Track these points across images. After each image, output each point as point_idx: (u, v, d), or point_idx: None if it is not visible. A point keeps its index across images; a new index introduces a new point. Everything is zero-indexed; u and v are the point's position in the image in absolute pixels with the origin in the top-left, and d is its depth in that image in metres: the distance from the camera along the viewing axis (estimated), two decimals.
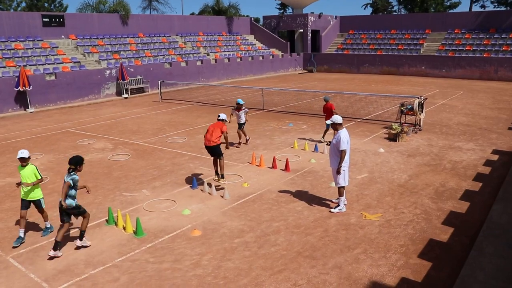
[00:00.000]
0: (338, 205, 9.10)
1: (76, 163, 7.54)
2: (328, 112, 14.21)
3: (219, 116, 10.81)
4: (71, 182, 7.41)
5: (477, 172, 11.40)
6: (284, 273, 6.75)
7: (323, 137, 14.65)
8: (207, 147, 10.54)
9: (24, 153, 7.97)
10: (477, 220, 8.44)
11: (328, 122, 9.27)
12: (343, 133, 8.75)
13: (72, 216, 7.71)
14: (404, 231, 8.07)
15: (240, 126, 14.40)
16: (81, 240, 7.72)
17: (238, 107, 14.24)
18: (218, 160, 10.49)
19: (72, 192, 7.53)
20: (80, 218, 7.88)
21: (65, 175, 7.55)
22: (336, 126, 8.91)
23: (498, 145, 14.04)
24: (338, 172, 8.80)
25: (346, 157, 8.83)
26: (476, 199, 9.59)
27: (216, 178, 10.64)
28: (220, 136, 10.44)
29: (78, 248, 7.67)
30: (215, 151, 10.41)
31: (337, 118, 8.95)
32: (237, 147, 14.22)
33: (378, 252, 7.32)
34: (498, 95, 25.42)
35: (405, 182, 10.71)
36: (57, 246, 7.41)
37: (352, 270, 6.81)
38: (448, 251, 7.36)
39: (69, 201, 7.50)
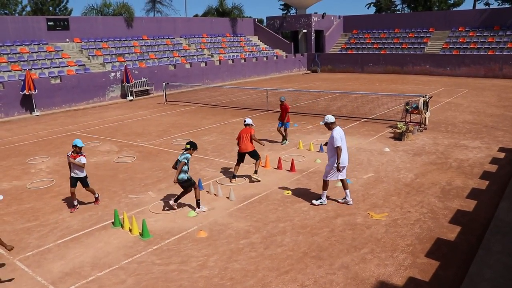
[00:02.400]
0: (320, 198, 9.43)
1: (192, 145, 9.30)
2: (284, 111, 14.39)
3: (244, 121, 11.42)
4: (185, 161, 9.04)
5: (483, 170, 11.34)
6: (291, 274, 6.73)
7: (285, 139, 14.79)
8: (244, 153, 11.10)
9: None
10: (484, 218, 8.39)
11: (321, 123, 9.64)
12: (336, 131, 9.03)
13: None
14: (411, 230, 8.04)
15: (79, 182, 9.58)
16: (198, 207, 9.27)
17: (75, 151, 9.46)
18: (256, 161, 11.10)
19: (185, 168, 9.10)
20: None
21: (180, 155, 9.20)
22: (329, 125, 9.22)
23: (504, 142, 13.95)
24: (338, 169, 8.99)
25: (344, 154, 9.03)
26: (483, 197, 9.53)
27: (255, 176, 11.19)
28: (251, 140, 11.05)
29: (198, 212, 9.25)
30: (253, 155, 11.10)
31: (329, 118, 9.26)
32: (71, 212, 9.54)
33: (385, 252, 7.29)
34: (503, 92, 25.28)
35: (411, 181, 10.67)
36: (199, 203, 9.25)
37: (359, 270, 6.78)
38: (455, 250, 7.32)
39: (182, 176, 9.07)
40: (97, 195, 9.99)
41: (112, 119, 21.12)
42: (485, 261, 6.06)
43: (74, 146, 9.51)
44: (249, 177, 11.33)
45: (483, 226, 8.01)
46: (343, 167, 9.10)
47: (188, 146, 9.24)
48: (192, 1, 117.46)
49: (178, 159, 9.17)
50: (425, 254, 7.18)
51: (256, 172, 11.08)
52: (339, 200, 9.53)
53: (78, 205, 9.76)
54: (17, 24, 27.73)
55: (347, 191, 9.33)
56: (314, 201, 9.43)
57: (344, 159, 9.07)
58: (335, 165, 8.97)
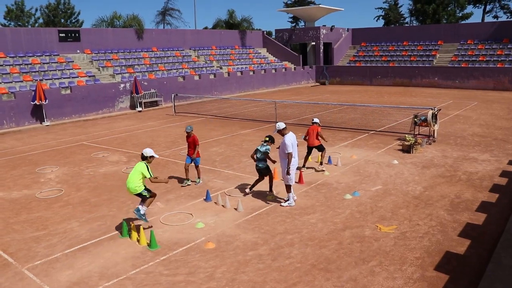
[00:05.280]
0: (288, 200, 10.08)
1: (270, 139, 10.52)
2: (192, 145, 11.85)
3: (312, 120, 13.14)
4: (267, 151, 10.48)
5: (493, 183, 11.24)
6: (299, 286, 6.69)
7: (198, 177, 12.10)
8: (312, 147, 12.90)
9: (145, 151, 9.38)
10: (495, 232, 8.30)
11: (274, 131, 10.53)
12: (287, 137, 9.72)
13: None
14: (419, 243, 7.97)
15: None
16: (270, 191, 10.80)
17: None
18: (321, 152, 12.88)
19: (263, 157, 10.46)
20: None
21: (259, 146, 10.59)
22: (281, 131, 9.93)
23: None
24: (288, 173, 9.76)
25: (295, 159, 9.82)
26: (493, 210, 9.44)
27: (320, 167, 12.88)
28: (317, 136, 12.70)
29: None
30: (319, 149, 12.89)
31: (279, 125, 10.04)
32: None
33: (393, 265, 7.23)
34: None
35: (420, 194, 10.60)
36: (271, 187, 10.81)
37: (367, 283, 6.73)
38: (465, 263, 7.24)
39: (263, 164, 10.53)
40: None
41: (121, 129, 21.26)
42: (496, 275, 5.99)
43: None
44: (314, 168, 12.92)
45: (493, 240, 7.93)
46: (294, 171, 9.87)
47: (267, 139, 10.54)
48: (202, 14, 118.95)
49: (257, 149, 10.57)
50: (434, 268, 7.11)
51: (321, 163, 12.81)
52: (274, 194, 10.70)
53: None
54: (30, 35, 28.18)
55: (291, 193, 10.06)
56: (282, 204, 10.08)
57: (294, 163, 9.84)
58: (292, 170, 9.75)
